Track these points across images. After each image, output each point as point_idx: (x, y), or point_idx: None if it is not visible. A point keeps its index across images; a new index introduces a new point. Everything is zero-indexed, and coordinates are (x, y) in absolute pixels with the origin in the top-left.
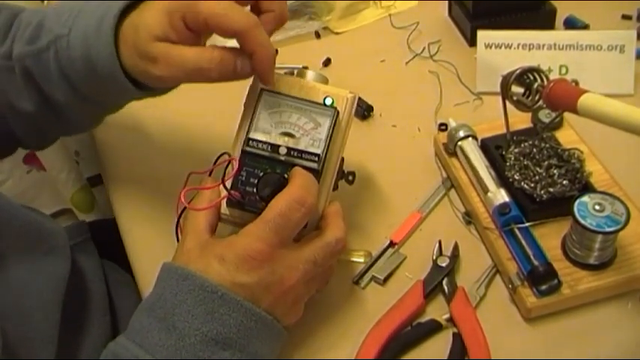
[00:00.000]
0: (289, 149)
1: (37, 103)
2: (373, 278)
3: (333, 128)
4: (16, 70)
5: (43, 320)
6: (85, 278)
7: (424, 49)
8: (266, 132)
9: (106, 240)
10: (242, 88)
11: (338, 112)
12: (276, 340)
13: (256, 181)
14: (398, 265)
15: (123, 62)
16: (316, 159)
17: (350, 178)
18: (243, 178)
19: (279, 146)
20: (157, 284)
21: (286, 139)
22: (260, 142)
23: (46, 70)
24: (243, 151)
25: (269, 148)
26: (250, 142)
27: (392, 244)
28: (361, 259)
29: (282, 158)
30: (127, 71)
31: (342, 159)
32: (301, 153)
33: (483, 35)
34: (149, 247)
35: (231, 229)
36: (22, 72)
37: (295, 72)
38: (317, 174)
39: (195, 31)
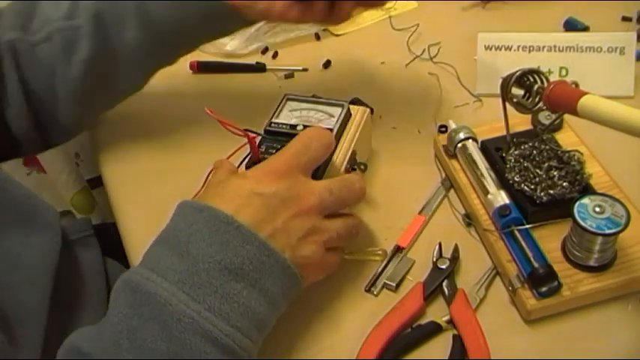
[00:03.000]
0: (306, 127)
1: (96, 52)
2: (385, 285)
3: (344, 118)
4: (83, 22)
5: (32, 294)
6: (83, 270)
7: (424, 50)
8: (286, 119)
9: (108, 242)
10: (243, 93)
11: (349, 107)
12: (290, 283)
13: (274, 151)
14: (407, 271)
15: None
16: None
17: (362, 167)
18: (263, 150)
19: (296, 125)
20: (172, 219)
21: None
22: (280, 123)
23: (121, 11)
24: (264, 130)
25: (288, 127)
26: (272, 124)
27: (399, 248)
28: (378, 258)
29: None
30: None
31: (355, 152)
32: None
33: (483, 37)
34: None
35: None
36: (94, 16)
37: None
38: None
39: None
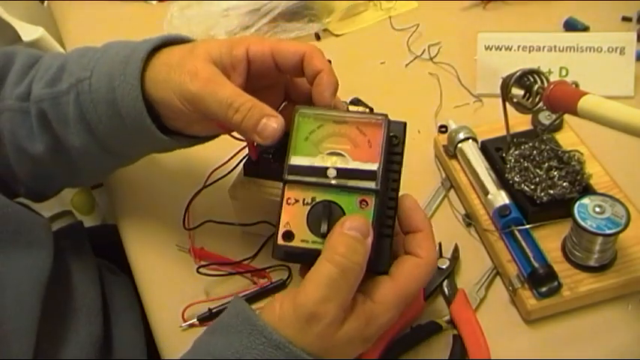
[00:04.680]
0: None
1: (49, 147)
2: None
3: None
4: (32, 112)
5: (19, 312)
6: (73, 278)
7: (424, 51)
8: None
9: (106, 242)
10: None
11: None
12: None
13: (271, 153)
14: None
15: (151, 98)
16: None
17: None
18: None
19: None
20: (236, 335)
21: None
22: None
23: (64, 114)
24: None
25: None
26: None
27: None
28: None
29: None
30: (154, 112)
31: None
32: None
33: (483, 37)
34: (149, 249)
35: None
36: (38, 114)
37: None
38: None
39: (252, 64)
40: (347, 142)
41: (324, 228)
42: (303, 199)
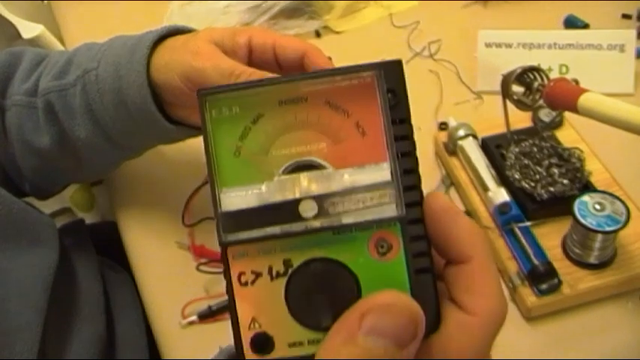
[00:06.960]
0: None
1: (55, 140)
2: None
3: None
4: (39, 105)
5: (24, 309)
6: (78, 276)
7: (424, 48)
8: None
9: (105, 239)
10: None
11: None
12: None
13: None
14: None
15: (155, 82)
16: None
17: None
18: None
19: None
20: None
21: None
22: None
23: (70, 106)
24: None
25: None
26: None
27: None
28: None
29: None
30: (158, 102)
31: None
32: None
33: (484, 34)
34: (149, 247)
35: None
36: (45, 107)
37: None
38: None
39: (253, 54)
40: (316, 135)
41: (326, 320)
42: (269, 269)
